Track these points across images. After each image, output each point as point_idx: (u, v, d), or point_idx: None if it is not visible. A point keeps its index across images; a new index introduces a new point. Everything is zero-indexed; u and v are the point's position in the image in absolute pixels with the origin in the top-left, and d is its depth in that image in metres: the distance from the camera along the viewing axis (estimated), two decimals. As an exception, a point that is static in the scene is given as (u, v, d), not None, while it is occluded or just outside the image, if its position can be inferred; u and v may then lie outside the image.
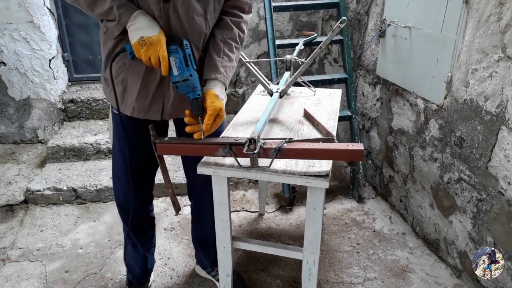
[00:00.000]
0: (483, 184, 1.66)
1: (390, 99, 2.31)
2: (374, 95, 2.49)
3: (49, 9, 2.89)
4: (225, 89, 1.31)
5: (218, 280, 1.73)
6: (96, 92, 3.12)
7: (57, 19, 3.01)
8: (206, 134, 1.21)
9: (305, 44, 2.25)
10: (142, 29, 1.13)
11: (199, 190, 1.64)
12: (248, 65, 1.62)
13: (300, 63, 1.71)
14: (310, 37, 2.34)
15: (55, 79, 3.02)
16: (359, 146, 1.13)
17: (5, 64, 2.88)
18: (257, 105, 1.72)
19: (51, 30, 2.92)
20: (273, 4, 2.42)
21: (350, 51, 2.50)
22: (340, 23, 1.40)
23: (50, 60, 2.95)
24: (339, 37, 2.48)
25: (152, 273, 1.87)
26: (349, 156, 1.13)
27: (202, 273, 1.89)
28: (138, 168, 1.48)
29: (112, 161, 1.54)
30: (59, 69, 3.07)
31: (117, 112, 1.32)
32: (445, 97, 1.83)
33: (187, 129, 1.22)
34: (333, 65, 3.05)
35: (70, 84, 3.24)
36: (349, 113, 2.47)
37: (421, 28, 1.94)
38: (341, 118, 2.41)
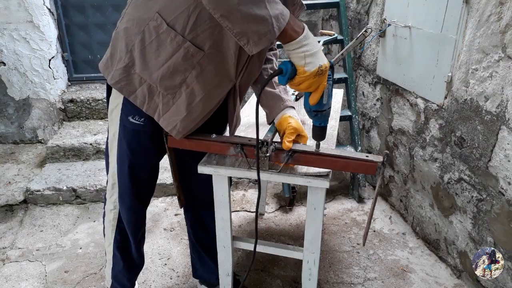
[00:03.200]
0: (483, 184, 1.66)
1: (390, 99, 2.31)
2: (374, 95, 2.49)
3: (49, 9, 2.89)
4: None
5: None
6: (95, 92, 3.12)
7: (56, 19, 3.01)
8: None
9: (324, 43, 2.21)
10: (318, 54, 1.00)
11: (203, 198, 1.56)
12: None
13: None
14: (331, 37, 2.32)
15: (54, 79, 3.01)
16: (377, 158, 1.08)
17: (4, 64, 2.88)
18: (257, 105, 1.71)
19: (50, 30, 2.92)
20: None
21: (350, 51, 2.50)
22: (365, 31, 1.39)
23: (49, 60, 2.95)
24: (339, 37, 2.47)
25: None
26: (364, 169, 1.10)
27: None
28: (150, 178, 1.43)
29: (118, 173, 1.37)
30: (59, 69, 3.07)
31: (137, 122, 1.23)
32: (445, 97, 1.83)
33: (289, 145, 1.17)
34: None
35: (69, 84, 3.24)
36: (349, 113, 2.47)
37: (421, 28, 1.94)
38: (341, 118, 2.40)
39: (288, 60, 1.03)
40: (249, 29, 0.93)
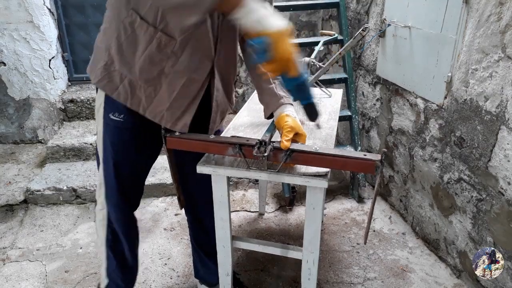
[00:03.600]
0: (483, 184, 1.66)
1: (390, 99, 2.31)
2: (374, 95, 2.49)
3: (49, 9, 2.89)
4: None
5: None
6: (96, 92, 3.12)
7: (56, 19, 3.01)
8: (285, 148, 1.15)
9: (324, 43, 2.20)
10: (274, 15, 0.95)
11: (202, 204, 1.56)
12: None
13: (318, 66, 1.68)
14: (331, 37, 2.32)
15: (55, 79, 3.02)
16: (375, 156, 1.07)
17: (4, 64, 2.88)
18: (257, 104, 1.71)
19: (50, 30, 2.92)
20: (273, 4, 2.41)
21: (350, 51, 2.50)
22: (363, 30, 1.38)
23: (50, 60, 2.95)
24: (339, 37, 2.47)
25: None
26: (362, 168, 1.09)
27: None
28: (135, 175, 1.42)
29: (104, 171, 1.38)
30: (59, 69, 3.07)
31: (118, 119, 1.25)
32: (445, 97, 1.83)
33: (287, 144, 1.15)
34: (333, 65, 3.05)
35: (70, 84, 3.24)
36: (349, 113, 2.47)
37: (421, 28, 1.94)
38: (341, 118, 2.40)
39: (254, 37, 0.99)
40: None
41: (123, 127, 1.28)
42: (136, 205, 1.50)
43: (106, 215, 1.44)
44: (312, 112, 1.13)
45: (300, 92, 1.09)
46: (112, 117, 1.27)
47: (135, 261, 1.62)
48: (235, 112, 1.77)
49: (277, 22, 0.95)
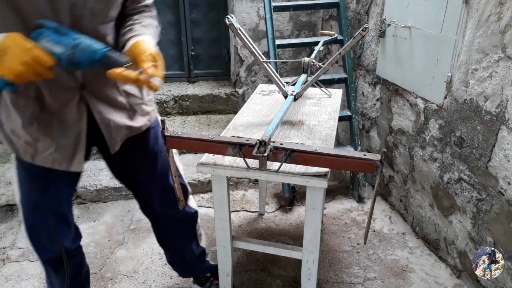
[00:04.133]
0: (483, 184, 1.66)
1: (390, 99, 2.31)
2: (374, 95, 2.49)
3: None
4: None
5: None
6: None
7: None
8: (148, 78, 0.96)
9: (324, 44, 2.20)
10: None
11: (161, 209, 1.48)
12: (265, 65, 1.58)
13: (318, 66, 1.68)
14: (331, 37, 2.32)
15: (55, 79, 3.01)
16: (375, 156, 1.07)
17: (5, 64, 2.88)
18: (257, 105, 1.72)
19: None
20: (273, 4, 2.42)
21: (350, 51, 2.50)
22: (362, 30, 1.38)
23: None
24: (339, 37, 2.48)
25: None
26: (362, 168, 1.09)
27: None
28: (55, 209, 1.29)
29: (23, 216, 1.29)
30: (59, 69, 3.06)
31: (27, 161, 1.16)
32: (445, 97, 1.83)
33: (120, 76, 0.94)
34: (333, 65, 3.05)
35: (70, 84, 3.24)
36: (349, 113, 2.47)
37: (421, 28, 1.94)
38: (341, 118, 2.41)
39: None
40: None
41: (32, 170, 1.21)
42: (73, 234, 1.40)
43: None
44: (106, 65, 0.94)
45: (74, 64, 0.92)
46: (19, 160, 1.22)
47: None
48: (235, 112, 1.77)
49: None
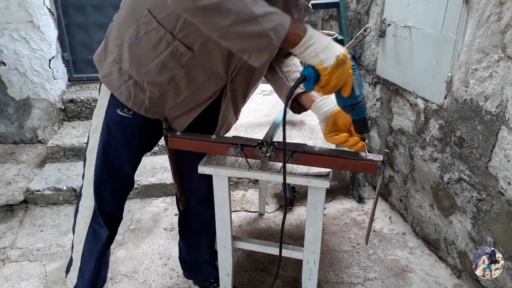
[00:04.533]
0: (483, 184, 1.66)
1: (390, 99, 2.31)
2: (374, 95, 2.49)
3: (49, 9, 2.89)
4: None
5: None
6: (96, 92, 3.12)
7: (56, 19, 3.01)
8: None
9: None
10: (331, 47, 0.95)
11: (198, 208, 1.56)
12: None
13: None
14: (331, 37, 2.32)
15: (54, 79, 3.01)
16: (377, 157, 1.07)
17: (4, 64, 2.88)
18: (258, 104, 1.72)
19: (50, 30, 2.92)
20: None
21: (350, 51, 2.49)
22: (364, 30, 1.38)
23: (49, 60, 2.95)
24: (339, 37, 2.47)
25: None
26: (364, 169, 1.09)
27: None
28: (126, 171, 1.39)
29: (95, 171, 1.34)
30: (59, 69, 3.06)
31: (125, 114, 1.22)
32: (445, 97, 1.83)
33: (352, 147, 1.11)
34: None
35: (69, 84, 3.24)
36: (349, 113, 2.47)
37: (421, 28, 1.94)
38: (341, 118, 2.40)
39: (308, 64, 0.98)
40: (248, 45, 0.94)
41: (130, 123, 1.25)
42: (123, 202, 1.48)
43: (92, 213, 1.40)
44: (363, 127, 1.09)
45: (358, 108, 1.05)
46: (120, 112, 1.23)
47: (105, 268, 1.57)
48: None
49: (333, 53, 0.94)
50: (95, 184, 1.35)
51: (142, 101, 1.18)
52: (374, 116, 2.53)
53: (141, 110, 1.20)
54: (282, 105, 1.47)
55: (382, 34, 2.28)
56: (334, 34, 2.32)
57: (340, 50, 0.95)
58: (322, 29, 3.24)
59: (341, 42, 2.49)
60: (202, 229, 1.62)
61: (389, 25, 2.21)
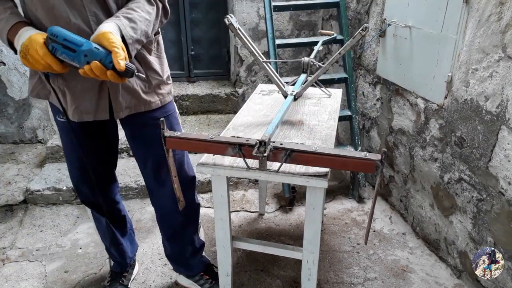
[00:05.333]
0: (483, 184, 1.66)
1: (390, 99, 2.31)
2: (374, 95, 2.49)
3: (49, 9, 2.89)
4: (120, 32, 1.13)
5: None
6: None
7: (56, 18, 3.01)
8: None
9: (323, 44, 2.19)
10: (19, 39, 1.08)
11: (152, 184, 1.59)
12: (265, 65, 1.57)
13: (317, 66, 1.68)
14: (330, 37, 2.31)
15: (54, 79, 3.01)
16: (375, 156, 1.07)
17: (4, 64, 2.88)
18: (257, 104, 1.71)
19: (50, 30, 2.92)
20: (273, 3, 2.41)
21: (350, 51, 2.50)
22: (362, 30, 1.38)
23: (49, 60, 2.95)
24: (339, 37, 2.47)
25: (137, 264, 1.93)
26: (363, 168, 1.09)
27: (187, 282, 1.83)
28: (96, 168, 1.48)
29: (69, 171, 1.53)
30: (59, 69, 3.06)
31: (62, 120, 1.33)
32: (446, 97, 1.83)
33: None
34: (333, 65, 3.05)
35: (69, 84, 3.24)
36: (349, 113, 2.47)
37: (421, 28, 1.93)
38: (341, 118, 2.40)
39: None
40: None
41: (67, 126, 1.33)
42: (107, 194, 1.60)
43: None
44: (125, 72, 1.06)
45: (86, 58, 1.04)
46: (58, 119, 1.37)
47: (129, 247, 1.80)
48: (235, 112, 1.77)
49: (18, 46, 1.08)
50: (73, 182, 1.53)
51: (59, 102, 1.25)
52: (374, 116, 2.53)
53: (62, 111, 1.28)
54: (282, 105, 1.48)
55: (382, 34, 2.28)
56: (333, 34, 2.31)
57: (20, 41, 1.06)
58: (322, 29, 3.24)
59: (340, 42, 2.49)
60: (166, 222, 1.68)
61: (389, 25, 2.20)
